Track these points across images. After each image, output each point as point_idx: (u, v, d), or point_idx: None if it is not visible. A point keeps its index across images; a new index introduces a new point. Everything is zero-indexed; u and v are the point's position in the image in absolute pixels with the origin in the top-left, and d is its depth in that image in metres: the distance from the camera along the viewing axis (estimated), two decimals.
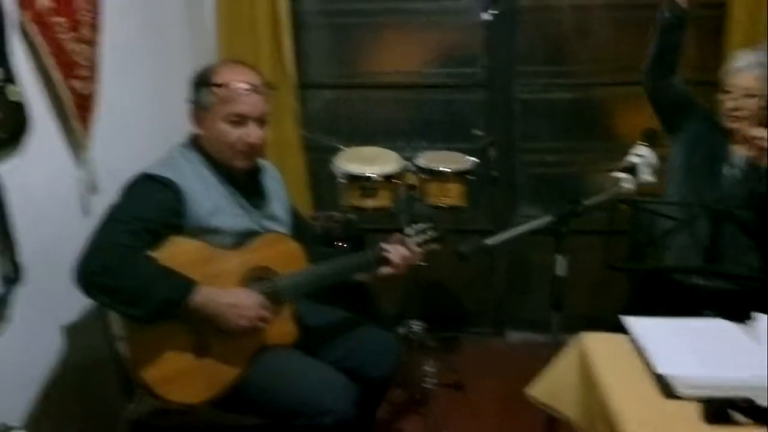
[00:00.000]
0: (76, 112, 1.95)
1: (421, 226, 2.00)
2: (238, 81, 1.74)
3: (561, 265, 1.80)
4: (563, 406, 1.57)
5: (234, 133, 1.74)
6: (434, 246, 2.00)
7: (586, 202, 1.84)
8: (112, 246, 1.55)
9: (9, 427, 1.63)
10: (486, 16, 3.06)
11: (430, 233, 1.99)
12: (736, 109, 2.11)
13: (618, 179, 1.86)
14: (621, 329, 1.61)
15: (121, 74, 2.23)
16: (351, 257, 1.89)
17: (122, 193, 1.70)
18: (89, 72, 1.99)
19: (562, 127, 3.22)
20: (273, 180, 1.96)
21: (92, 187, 2.10)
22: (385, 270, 1.92)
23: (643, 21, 3.02)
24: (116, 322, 1.69)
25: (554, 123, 3.22)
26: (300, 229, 2.03)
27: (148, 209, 1.63)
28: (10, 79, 1.65)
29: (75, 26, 1.89)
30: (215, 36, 3.00)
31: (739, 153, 2.15)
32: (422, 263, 2.03)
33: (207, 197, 1.72)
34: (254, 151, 1.79)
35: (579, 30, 3.12)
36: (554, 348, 1.74)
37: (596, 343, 1.55)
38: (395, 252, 1.91)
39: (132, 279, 1.54)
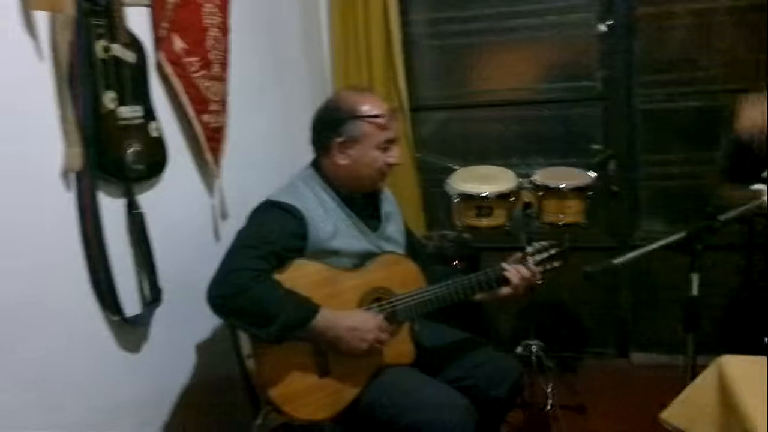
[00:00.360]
0: (207, 144, 2.08)
1: (542, 243, 1.95)
2: (381, 109, 1.84)
3: (695, 285, 1.70)
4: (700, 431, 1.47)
5: (382, 157, 1.84)
6: (555, 264, 1.94)
7: (723, 217, 1.73)
8: (241, 270, 1.64)
9: None
10: (602, 28, 2.99)
11: (552, 251, 1.93)
12: None
13: (757, 191, 1.74)
14: (761, 351, 1.49)
15: (247, 108, 2.37)
16: (469, 277, 1.88)
17: (249, 220, 1.80)
18: (219, 107, 2.13)
19: (687, 137, 3.08)
20: (389, 203, 2.01)
21: (223, 214, 2.24)
22: (504, 290, 1.90)
23: (766, 22, 2.85)
24: (245, 342, 1.78)
25: (678, 133, 3.08)
26: (413, 249, 2.06)
27: (273, 234, 1.71)
28: (150, 115, 1.80)
29: (206, 65, 2.04)
30: (331, 65, 3.12)
31: None
32: (540, 282, 1.98)
33: (327, 221, 1.79)
34: (391, 171, 1.90)
35: (700, 35, 2.97)
36: (684, 371, 1.64)
37: (738, 366, 1.45)
38: (514, 271, 1.88)
39: (260, 302, 1.62)
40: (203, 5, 2.03)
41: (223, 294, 1.63)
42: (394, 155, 1.87)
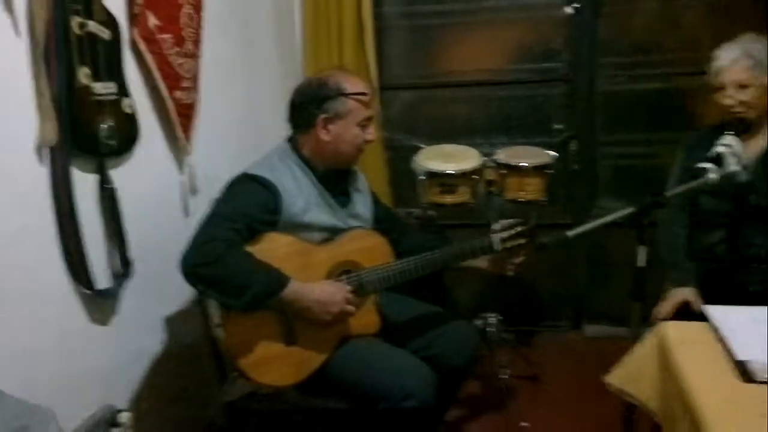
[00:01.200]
0: (179, 121, 2.13)
1: (509, 221, 2.00)
2: (365, 88, 1.92)
3: (642, 257, 1.81)
4: (642, 392, 1.60)
5: (362, 135, 1.92)
6: (522, 241, 1.99)
7: (669, 193, 1.85)
8: (215, 240, 1.70)
9: (116, 409, 1.83)
10: (568, 10, 3.07)
11: (518, 228, 1.99)
12: (733, 105, 2.06)
13: (704, 170, 1.85)
14: (698, 318, 1.61)
15: (217, 86, 2.41)
16: (434, 254, 1.94)
17: (224, 192, 1.86)
18: (191, 84, 2.17)
19: (646, 118, 3.19)
20: (359, 181, 2.09)
21: (192, 190, 2.28)
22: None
23: (728, 7, 2.97)
24: (215, 311, 1.84)
25: (638, 114, 3.20)
26: (392, 222, 2.15)
27: (248, 207, 1.78)
28: (124, 92, 1.84)
29: (179, 41, 2.07)
30: (302, 43, 3.16)
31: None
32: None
33: (299, 195, 1.86)
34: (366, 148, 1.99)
35: (663, 19, 3.08)
36: (633, 340, 1.75)
37: (676, 332, 1.57)
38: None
39: (232, 271, 1.69)
40: None
41: (197, 263, 1.69)
42: (372, 133, 1.95)
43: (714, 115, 2.19)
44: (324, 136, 1.89)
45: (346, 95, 1.88)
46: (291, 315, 1.79)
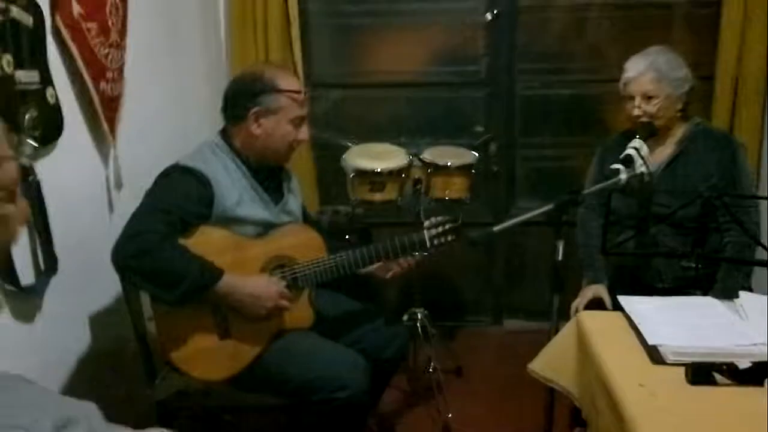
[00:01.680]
0: (103, 113, 2.06)
1: (438, 219, 2.07)
2: (298, 87, 1.93)
3: (560, 251, 1.92)
4: (562, 379, 1.70)
5: (294, 132, 1.92)
6: (450, 238, 2.06)
7: (584, 192, 1.97)
8: (148, 231, 1.68)
9: None
10: (488, 17, 3.19)
11: (447, 226, 2.05)
12: (641, 115, 2.21)
13: (615, 170, 1.99)
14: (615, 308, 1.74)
15: (142, 78, 2.35)
16: (370, 247, 1.98)
17: (157, 183, 1.84)
18: (116, 75, 2.11)
19: (561, 122, 3.36)
20: (291, 179, 2.10)
21: (117, 184, 2.23)
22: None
23: (638, 19, 3.18)
24: (146, 304, 1.82)
25: (553, 119, 3.36)
26: (306, 222, 2.15)
27: (182, 199, 1.77)
28: (47, 81, 1.77)
29: (105, 31, 2.02)
30: (227, 39, 3.13)
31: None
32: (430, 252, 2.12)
33: (233, 189, 1.86)
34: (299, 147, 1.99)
35: (577, 28, 3.26)
36: (552, 333, 1.86)
37: (593, 320, 1.69)
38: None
39: (165, 263, 1.68)
40: None
41: (130, 254, 1.67)
42: (305, 133, 1.96)
43: (624, 120, 2.34)
44: (255, 129, 1.89)
45: (280, 91, 1.88)
46: (225, 308, 1.79)
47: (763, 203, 2.29)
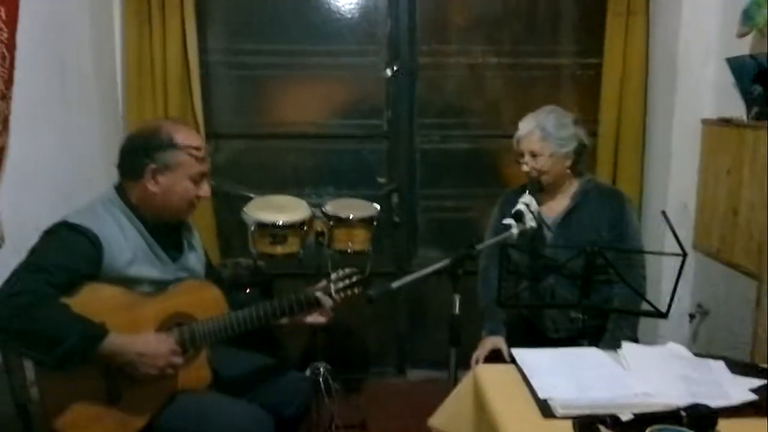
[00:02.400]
0: None
1: (345, 271, 2.08)
2: (198, 142, 1.88)
3: (457, 304, 1.96)
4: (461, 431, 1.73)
5: (194, 190, 1.86)
6: (356, 290, 2.08)
7: (480, 246, 2.04)
8: (25, 292, 1.58)
9: None
10: (388, 73, 3.30)
11: (354, 278, 2.07)
12: (530, 171, 2.34)
13: (507, 225, 2.08)
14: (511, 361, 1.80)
15: (28, 129, 2.25)
16: (272, 303, 1.96)
17: (41, 240, 1.74)
18: (1, 126, 2.01)
19: (459, 175, 3.49)
20: (191, 233, 2.05)
21: (0, 239, 2.10)
22: (314, 316, 2.02)
23: (527, 79, 3.39)
24: (29, 368, 1.68)
25: (451, 172, 3.48)
26: (209, 276, 2.10)
27: (65, 258, 1.67)
28: None
29: None
30: (123, 88, 3.06)
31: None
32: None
33: (126, 248, 1.78)
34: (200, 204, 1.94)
35: (474, 86, 3.43)
36: (452, 383, 1.89)
37: (489, 374, 1.73)
38: (328, 299, 2.00)
39: (44, 324, 1.58)
40: None
41: (6, 316, 1.56)
42: (206, 189, 1.91)
43: (521, 174, 2.46)
44: (152, 187, 1.83)
45: (178, 147, 1.84)
46: (113, 371, 1.70)
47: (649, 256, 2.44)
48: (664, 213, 2.01)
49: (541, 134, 2.31)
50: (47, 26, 2.43)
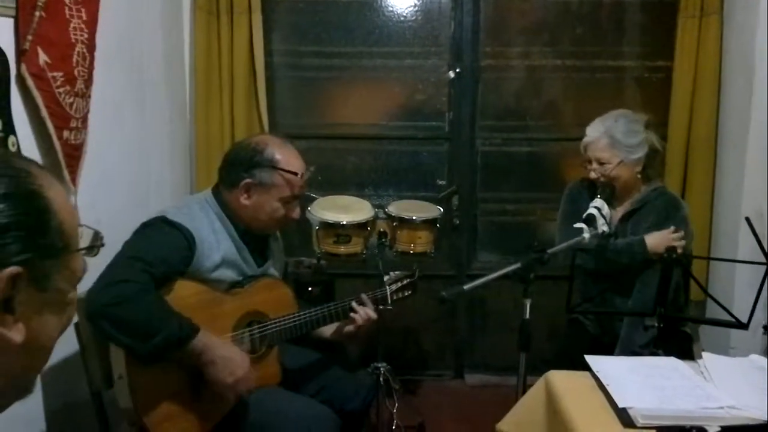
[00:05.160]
0: (65, 161, 2.02)
1: (397, 273, 2.10)
2: (300, 168, 1.89)
3: (527, 309, 1.93)
4: None
5: (282, 210, 1.89)
6: (407, 293, 2.10)
7: (551, 251, 2.00)
8: (128, 281, 1.62)
9: None
10: (451, 74, 3.28)
11: (406, 281, 2.08)
12: (598, 177, 2.29)
13: (579, 229, 2.03)
14: (582, 367, 1.76)
15: (107, 127, 2.33)
16: (333, 305, 1.98)
17: (139, 233, 1.78)
18: (80, 123, 2.08)
19: (519, 178, 3.44)
20: (277, 242, 2.08)
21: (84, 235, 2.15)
22: (348, 328, 2.03)
23: (591, 81, 3.32)
24: (117, 360, 1.71)
25: (512, 175, 3.44)
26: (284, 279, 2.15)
27: (163, 252, 1.71)
28: (10, 129, 1.73)
29: (70, 80, 1.99)
30: (192, 90, 3.12)
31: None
32: (389, 307, 2.13)
33: (217, 250, 1.81)
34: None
35: (535, 88, 3.38)
36: (516, 388, 1.86)
37: (562, 380, 1.69)
38: (363, 312, 1.99)
39: (142, 314, 1.62)
40: (71, 20, 1.98)
41: (107, 302, 1.60)
42: (297, 212, 1.94)
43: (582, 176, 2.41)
44: (244, 200, 1.87)
45: (276, 169, 1.86)
46: (195, 368, 1.72)
47: None
48: (748, 219, 1.93)
49: (609, 141, 2.27)
50: (124, 29, 2.50)
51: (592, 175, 2.31)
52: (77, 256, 0.80)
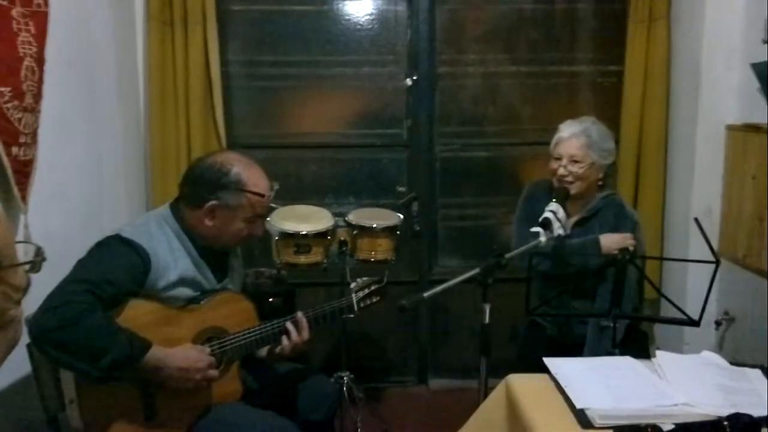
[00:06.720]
0: (15, 178, 1.97)
1: (364, 280, 2.09)
2: (266, 189, 1.85)
3: (487, 314, 1.95)
4: None
5: (246, 230, 1.86)
6: (375, 299, 2.10)
7: (508, 255, 2.02)
8: (72, 303, 1.58)
9: None
10: (408, 82, 3.30)
11: (373, 287, 2.08)
12: (566, 175, 2.33)
13: (535, 233, 2.06)
14: (540, 370, 1.78)
15: (55, 142, 2.27)
16: (305, 313, 1.96)
17: (91, 252, 1.74)
18: (30, 139, 2.03)
19: (478, 183, 3.48)
20: (236, 257, 2.05)
21: (26, 251, 2.10)
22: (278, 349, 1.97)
23: (546, 87, 3.38)
24: (67, 384, 1.68)
25: (471, 180, 3.47)
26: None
27: (114, 273, 1.67)
28: None
29: (18, 95, 1.94)
30: (146, 101, 3.08)
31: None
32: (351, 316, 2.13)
33: (174, 269, 1.78)
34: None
35: (491, 94, 3.42)
36: (477, 392, 1.88)
37: (521, 384, 1.71)
38: (293, 335, 1.93)
39: (87, 335, 1.58)
40: (18, 34, 1.94)
41: (49, 327, 1.56)
42: (260, 229, 1.91)
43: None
44: (208, 221, 1.83)
45: (243, 191, 1.82)
46: (151, 385, 1.70)
47: None
48: (696, 220, 1.99)
49: (587, 141, 2.31)
50: (74, 41, 2.46)
51: (560, 171, 2.33)
52: (13, 272, 0.78)
